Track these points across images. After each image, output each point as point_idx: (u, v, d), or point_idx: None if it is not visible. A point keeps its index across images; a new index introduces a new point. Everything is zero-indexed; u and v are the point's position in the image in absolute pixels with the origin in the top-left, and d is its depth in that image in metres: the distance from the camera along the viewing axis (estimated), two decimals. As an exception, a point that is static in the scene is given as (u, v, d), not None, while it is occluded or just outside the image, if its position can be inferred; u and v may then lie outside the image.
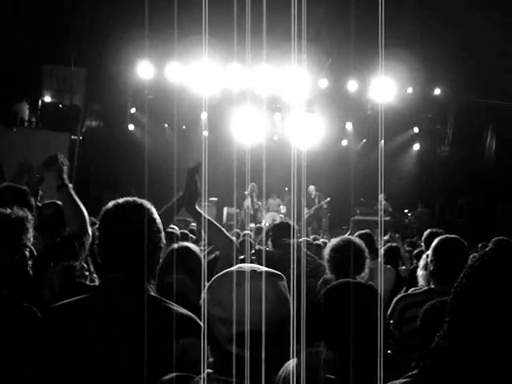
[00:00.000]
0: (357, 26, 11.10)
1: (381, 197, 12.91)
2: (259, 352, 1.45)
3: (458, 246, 3.37)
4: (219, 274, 1.57)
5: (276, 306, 1.47)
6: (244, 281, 1.50)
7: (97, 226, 2.12)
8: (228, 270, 1.57)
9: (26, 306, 2.20)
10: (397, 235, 12.30)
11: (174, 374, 1.56)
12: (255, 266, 1.59)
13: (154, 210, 2.06)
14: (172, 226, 8.27)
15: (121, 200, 2.05)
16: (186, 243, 3.18)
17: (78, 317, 1.93)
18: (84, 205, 3.08)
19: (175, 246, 3.09)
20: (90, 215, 6.14)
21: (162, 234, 2.06)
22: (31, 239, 2.33)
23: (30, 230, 2.32)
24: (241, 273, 1.53)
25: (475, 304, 1.28)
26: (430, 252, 3.54)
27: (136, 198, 2.07)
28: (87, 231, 2.97)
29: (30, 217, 2.34)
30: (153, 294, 2.00)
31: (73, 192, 3.02)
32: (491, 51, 12.46)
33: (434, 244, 3.47)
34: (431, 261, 3.46)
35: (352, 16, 11.27)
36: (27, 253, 2.32)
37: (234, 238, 3.02)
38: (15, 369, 1.98)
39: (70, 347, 1.88)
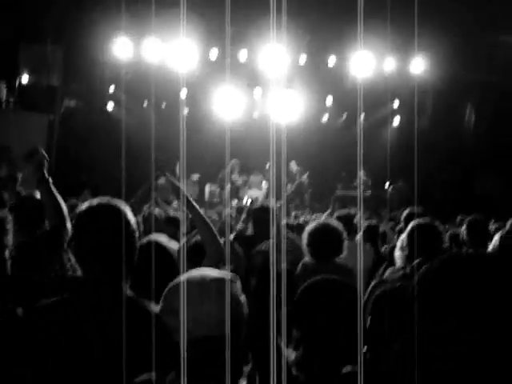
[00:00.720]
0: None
1: (360, 174, 12.93)
2: (213, 356, 1.53)
3: (432, 233, 3.46)
4: (172, 284, 1.64)
5: (228, 311, 1.54)
6: (195, 289, 1.56)
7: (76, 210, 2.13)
8: (179, 279, 1.63)
9: (11, 306, 2.24)
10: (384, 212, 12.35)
11: (147, 375, 1.64)
12: (205, 272, 1.65)
13: (128, 211, 2.08)
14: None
15: (95, 201, 2.07)
16: (155, 237, 2.91)
17: (60, 318, 1.96)
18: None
19: (144, 240, 2.81)
20: (70, 196, 6.10)
21: (137, 234, 2.10)
22: (10, 240, 2.36)
23: (10, 231, 2.35)
24: (191, 282, 1.60)
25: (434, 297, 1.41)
26: (404, 236, 3.63)
27: (110, 200, 2.09)
28: (66, 226, 3.00)
29: (9, 217, 2.37)
30: (129, 294, 2.05)
31: (53, 187, 3.03)
32: (474, 26, 12.46)
33: (408, 229, 3.56)
34: (406, 245, 3.55)
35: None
36: (7, 253, 2.35)
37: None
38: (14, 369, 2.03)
39: (51, 348, 1.93)
